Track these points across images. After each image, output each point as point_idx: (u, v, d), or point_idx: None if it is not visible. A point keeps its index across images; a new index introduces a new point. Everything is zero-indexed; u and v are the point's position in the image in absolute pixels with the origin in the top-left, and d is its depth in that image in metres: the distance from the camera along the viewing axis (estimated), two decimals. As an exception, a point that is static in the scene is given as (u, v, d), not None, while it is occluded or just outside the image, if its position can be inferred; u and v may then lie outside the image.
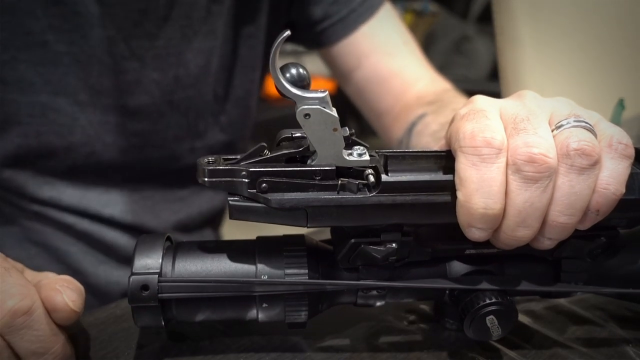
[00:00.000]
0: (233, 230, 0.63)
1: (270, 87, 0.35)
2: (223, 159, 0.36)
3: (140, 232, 0.65)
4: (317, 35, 0.71)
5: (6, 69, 0.56)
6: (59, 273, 0.63)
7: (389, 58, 0.71)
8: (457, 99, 0.69)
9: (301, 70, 0.34)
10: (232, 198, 0.35)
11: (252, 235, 0.40)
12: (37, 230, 0.63)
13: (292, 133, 0.37)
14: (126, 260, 0.66)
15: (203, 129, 0.67)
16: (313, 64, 0.93)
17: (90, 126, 0.60)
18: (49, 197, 0.62)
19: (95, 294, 0.65)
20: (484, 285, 0.38)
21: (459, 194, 0.33)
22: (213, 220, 0.75)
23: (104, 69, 0.59)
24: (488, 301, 0.37)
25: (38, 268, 0.63)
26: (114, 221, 0.64)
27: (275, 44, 0.32)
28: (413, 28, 2.53)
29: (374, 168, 0.35)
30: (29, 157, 0.60)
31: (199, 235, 0.72)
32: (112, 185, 0.64)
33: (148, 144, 0.64)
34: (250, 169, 0.34)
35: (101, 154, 0.62)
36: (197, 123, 0.66)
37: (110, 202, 0.64)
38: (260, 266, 0.37)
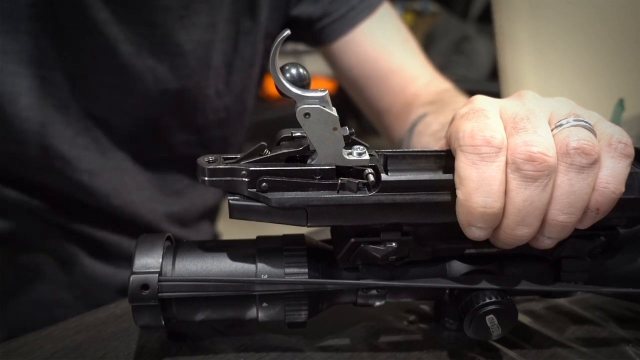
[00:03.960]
0: (232, 228, 0.64)
1: (270, 87, 0.35)
2: (223, 158, 0.36)
3: (133, 226, 0.65)
4: (317, 33, 0.71)
5: (7, 39, 0.57)
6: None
7: (388, 56, 0.72)
8: (457, 99, 0.69)
9: (301, 70, 0.34)
10: (232, 197, 0.35)
11: (251, 234, 0.40)
12: (37, 223, 0.63)
13: (292, 132, 0.37)
14: (118, 257, 0.66)
15: (200, 123, 0.67)
16: (313, 64, 0.93)
17: (85, 101, 0.61)
18: (52, 181, 0.62)
19: (93, 285, 0.66)
20: (484, 284, 0.38)
21: (459, 193, 0.33)
22: (209, 214, 0.75)
23: (97, 49, 0.59)
24: (488, 300, 0.37)
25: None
26: (113, 214, 0.64)
27: (275, 44, 0.32)
28: (413, 28, 2.54)
29: (374, 167, 0.35)
30: (35, 131, 0.60)
31: (196, 229, 0.73)
32: (114, 173, 0.64)
33: (139, 127, 0.64)
34: (251, 168, 0.34)
35: (96, 129, 0.62)
36: (194, 116, 0.66)
37: (114, 192, 0.64)
38: (260, 265, 0.37)
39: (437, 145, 0.39)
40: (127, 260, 0.66)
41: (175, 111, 0.65)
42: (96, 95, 0.61)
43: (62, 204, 0.63)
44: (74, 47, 0.59)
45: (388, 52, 0.72)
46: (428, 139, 0.62)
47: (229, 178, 0.35)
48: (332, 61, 0.74)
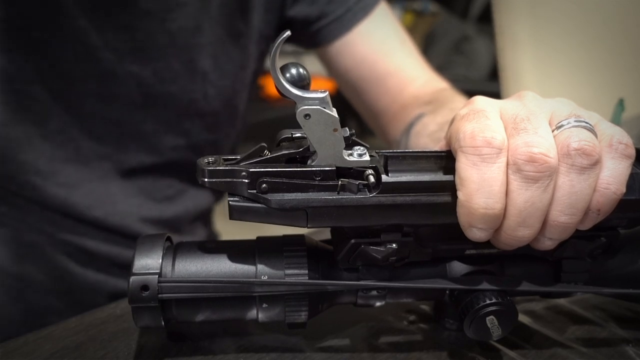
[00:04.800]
0: (232, 229, 0.63)
1: (270, 88, 0.35)
2: (223, 159, 0.36)
3: (121, 235, 0.64)
4: (313, 35, 0.71)
5: None
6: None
7: (386, 57, 0.71)
8: (454, 98, 0.68)
9: (301, 70, 0.34)
10: (232, 198, 0.35)
11: (251, 235, 0.40)
12: (24, 233, 0.63)
13: (292, 133, 0.37)
14: (108, 265, 0.66)
15: (187, 126, 0.66)
16: (313, 64, 0.93)
17: (66, 113, 0.60)
18: (30, 196, 0.61)
19: (84, 293, 0.65)
20: (484, 285, 0.38)
21: (460, 194, 0.33)
22: (202, 217, 0.75)
23: (77, 57, 0.58)
24: (488, 301, 0.37)
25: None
26: (98, 224, 0.64)
27: (276, 44, 0.32)
28: (413, 28, 2.54)
29: (374, 168, 0.35)
30: (10, 147, 0.59)
31: (190, 234, 0.72)
32: (96, 184, 0.63)
33: (124, 134, 0.63)
34: (251, 170, 0.34)
35: (79, 140, 0.61)
36: (181, 120, 0.65)
37: (95, 203, 0.63)
38: (260, 266, 0.37)
39: (435, 146, 0.39)
40: (117, 267, 0.66)
41: (161, 116, 0.64)
42: (78, 106, 0.60)
43: (46, 215, 0.62)
44: (52, 58, 0.58)
45: (385, 53, 0.71)
46: (425, 140, 0.62)
47: (228, 179, 0.35)
48: (329, 63, 0.74)
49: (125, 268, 0.37)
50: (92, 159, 0.63)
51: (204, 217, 0.76)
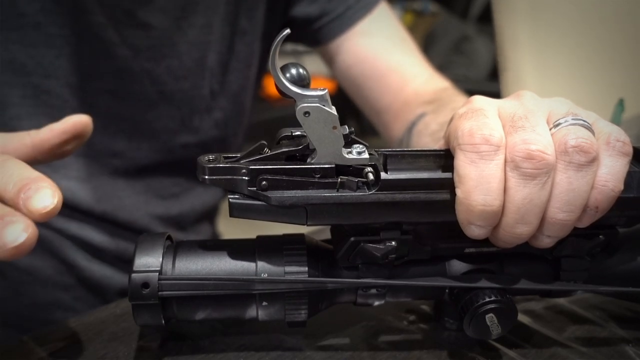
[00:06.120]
0: (232, 228, 0.64)
1: (270, 87, 0.35)
2: (223, 157, 0.36)
3: (128, 230, 0.65)
4: (315, 33, 0.72)
5: None
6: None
7: (387, 55, 0.72)
8: (456, 98, 0.69)
9: (301, 70, 0.34)
10: (232, 196, 0.35)
11: (251, 234, 0.40)
12: None
13: (292, 131, 0.37)
14: (115, 260, 0.66)
15: (197, 124, 0.67)
16: (313, 63, 0.93)
17: (81, 108, 0.60)
18: None
19: (91, 287, 0.66)
20: (484, 283, 0.38)
21: (458, 191, 0.34)
22: (207, 216, 0.75)
23: (94, 54, 0.59)
24: (487, 299, 0.37)
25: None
26: (105, 218, 0.64)
27: (275, 43, 0.32)
28: (413, 28, 2.54)
29: (373, 166, 0.35)
30: None
31: (195, 232, 0.73)
32: (104, 179, 0.64)
33: (137, 132, 0.64)
34: (251, 167, 0.35)
35: (92, 135, 0.62)
36: (191, 117, 0.66)
37: (103, 198, 0.64)
38: (260, 264, 0.37)
39: (436, 145, 0.39)
40: (124, 262, 0.66)
41: (173, 113, 0.65)
42: (93, 101, 0.61)
43: None
44: (69, 54, 0.58)
45: (386, 50, 0.72)
46: (427, 140, 0.62)
47: (229, 176, 0.35)
48: (331, 60, 0.74)
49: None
50: (103, 154, 0.63)
51: (210, 216, 0.77)
